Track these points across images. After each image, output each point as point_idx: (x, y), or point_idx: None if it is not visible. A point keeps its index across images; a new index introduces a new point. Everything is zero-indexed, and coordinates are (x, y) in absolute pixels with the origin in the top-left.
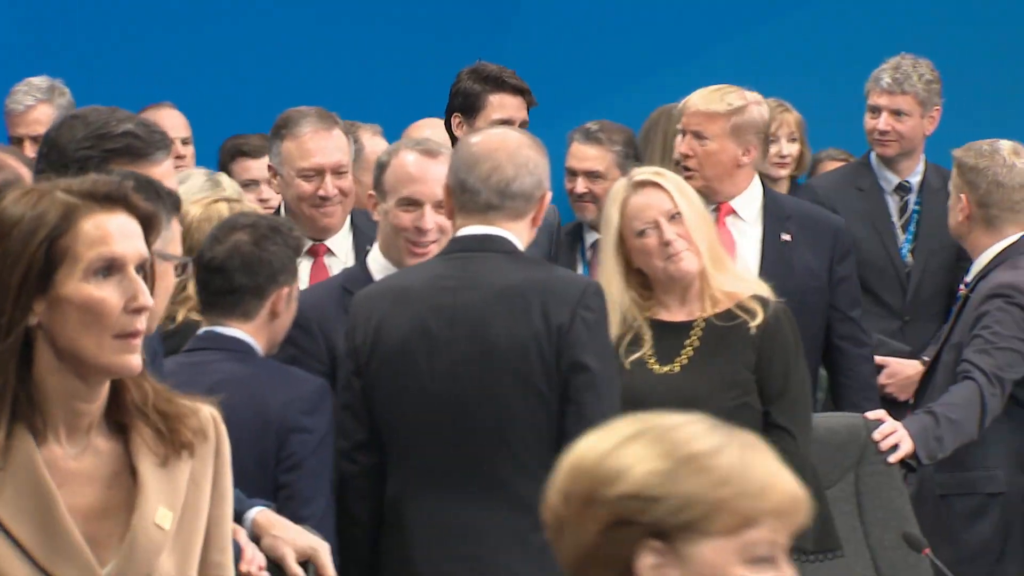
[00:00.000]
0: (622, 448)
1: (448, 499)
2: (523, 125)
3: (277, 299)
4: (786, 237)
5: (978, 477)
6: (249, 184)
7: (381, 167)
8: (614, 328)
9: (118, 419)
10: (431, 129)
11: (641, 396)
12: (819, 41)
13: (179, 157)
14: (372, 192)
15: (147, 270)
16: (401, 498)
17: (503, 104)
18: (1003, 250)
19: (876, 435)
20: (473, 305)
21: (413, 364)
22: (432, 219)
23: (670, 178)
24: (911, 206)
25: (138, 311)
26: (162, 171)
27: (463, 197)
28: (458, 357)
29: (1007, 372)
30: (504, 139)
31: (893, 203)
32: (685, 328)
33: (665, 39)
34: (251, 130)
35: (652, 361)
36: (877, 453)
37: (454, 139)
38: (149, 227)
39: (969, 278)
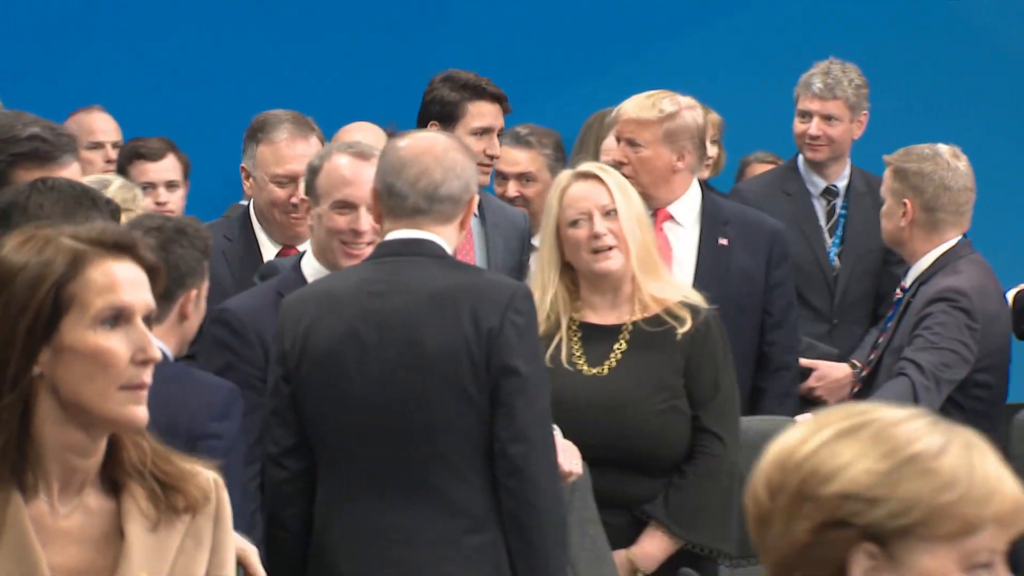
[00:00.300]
0: (837, 443)
1: (378, 504)
2: (500, 132)
3: (185, 302)
4: (723, 241)
5: None
6: (147, 187)
7: (313, 171)
8: (543, 323)
9: (113, 477)
10: (362, 132)
11: (569, 397)
12: (747, 46)
13: (109, 161)
14: (305, 197)
15: (151, 321)
16: (331, 503)
17: (482, 112)
18: (943, 254)
19: None
20: (403, 309)
21: (343, 369)
22: (368, 221)
23: (614, 175)
24: (838, 210)
25: (145, 363)
26: (69, 174)
27: (391, 201)
28: (388, 362)
29: (945, 372)
30: (432, 143)
31: (820, 207)
32: (614, 331)
33: (595, 44)
34: (180, 133)
35: (581, 363)
36: None
37: None
38: (154, 277)
39: (908, 283)
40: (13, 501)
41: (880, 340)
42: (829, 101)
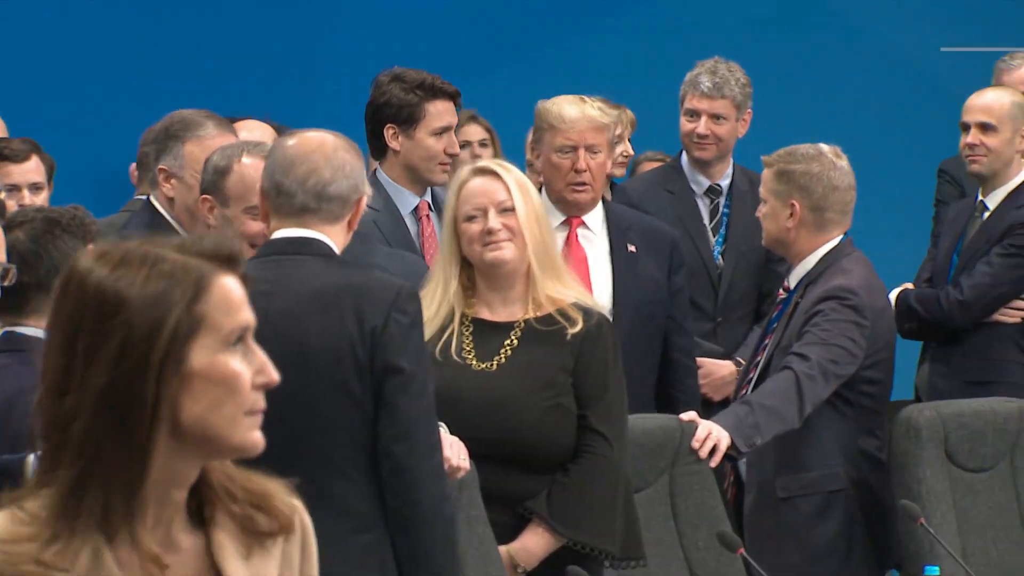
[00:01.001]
0: None
1: None
2: (455, 129)
3: None
4: (632, 248)
5: (818, 477)
6: (11, 189)
7: (221, 172)
8: (436, 320)
9: (200, 503)
10: (258, 131)
11: (457, 392)
12: (635, 45)
13: None
14: (207, 196)
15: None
16: None
17: (440, 111)
18: (828, 253)
19: (694, 443)
20: (287, 308)
21: None
22: None
23: (514, 172)
24: (721, 208)
25: (265, 386)
26: None
27: (279, 200)
28: (272, 361)
29: (833, 367)
30: (321, 142)
31: (704, 206)
32: (506, 328)
33: (486, 44)
34: (60, 135)
35: (471, 358)
36: (690, 454)
37: (387, 149)
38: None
39: (792, 282)
40: (101, 548)
41: (767, 341)
42: (717, 100)
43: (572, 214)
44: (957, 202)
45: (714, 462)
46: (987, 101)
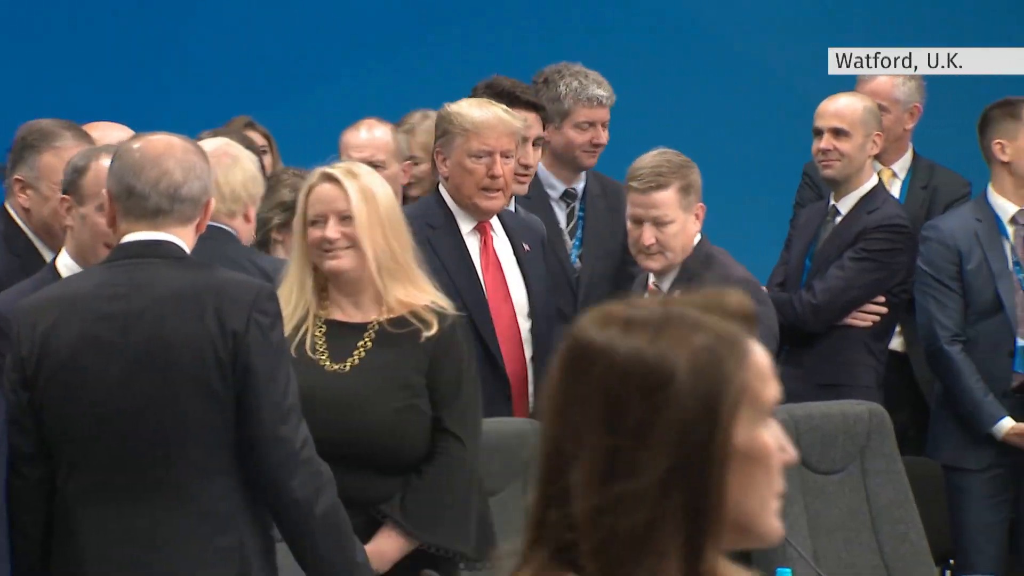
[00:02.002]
0: None
1: (125, 507)
2: (538, 141)
3: None
4: (526, 247)
5: None
6: None
7: (78, 171)
8: (292, 320)
9: None
10: (116, 132)
11: (311, 393)
12: (484, 49)
13: None
14: (65, 196)
15: None
16: (74, 508)
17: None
18: (695, 249)
19: None
20: (146, 311)
21: (84, 374)
22: None
23: (360, 179)
24: (577, 213)
25: (787, 464)
26: None
27: (129, 202)
28: (132, 364)
29: None
30: (169, 144)
31: (560, 210)
32: (359, 329)
33: (346, 44)
34: None
35: (324, 359)
36: None
37: None
38: None
39: (666, 284)
40: None
41: None
42: (607, 108)
43: (481, 219)
44: (809, 206)
45: None
46: (839, 107)
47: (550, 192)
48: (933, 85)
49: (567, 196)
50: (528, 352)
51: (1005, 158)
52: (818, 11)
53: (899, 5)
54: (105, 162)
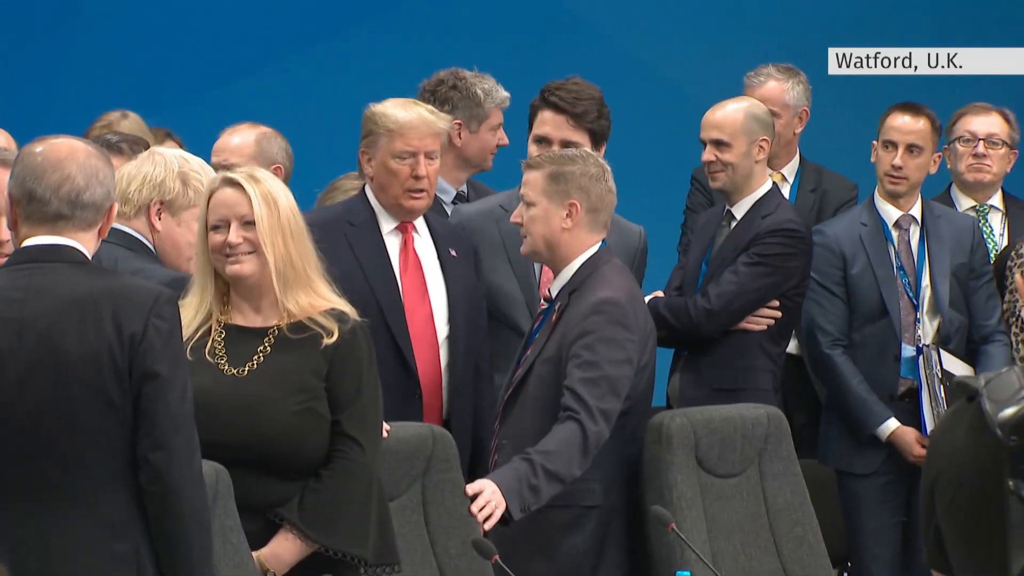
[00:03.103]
0: None
1: (21, 514)
2: (564, 144)
3: None
4: (453, 253)
5: (575, 490)
6: None
7: None
8: (192, 324)
9: None
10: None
11: (208, 397)
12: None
13: None
14: None
15: None
16: None
17: (544, 120)
18: (588, 260)
19: (474, 509)
20: (42, 316)
21: None
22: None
23: (262, 184)
24: None
25: None
26: None
27: (31, 207)
28: (27, 369)
29: (609, 403)
30: (72, 148)
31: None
32: (259, 334)
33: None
34: None
35: (223, 363)
36: (443, 461)
37: None
38: None
39: (554, 291)
40: None
41: (528, 353)
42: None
43: (404, 219)
44: (707, 211)
45: (488, 526)
46: (720, 117)
47: (442, 197)
48: (932, 85)
49: (458, 199)
50: (444, 357)
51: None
52: (818, 11)
53: (899, 5)
54: None
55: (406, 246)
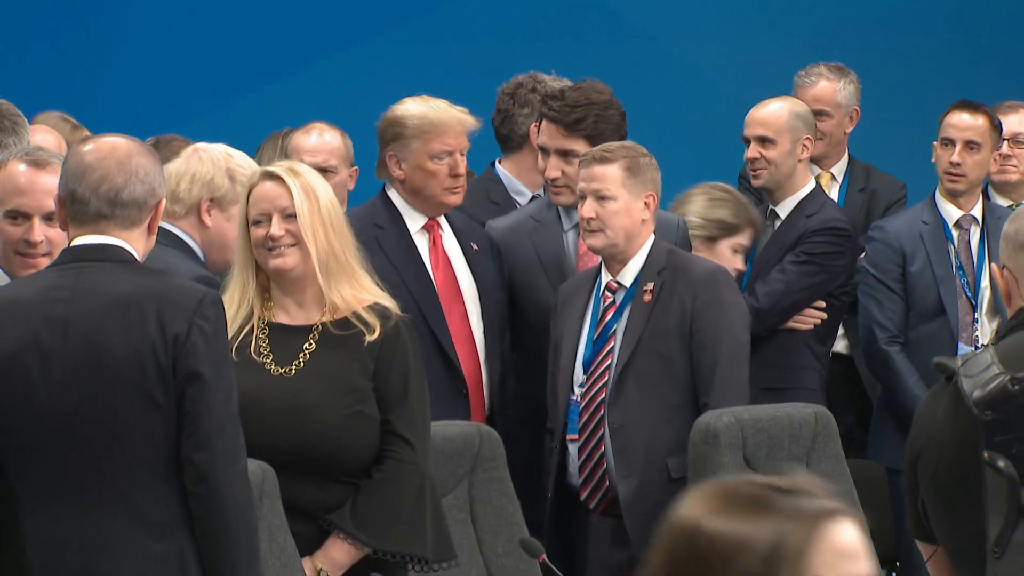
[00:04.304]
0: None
1: (64, 513)
2: (561, 153)
3: None
4: (475, 247)
5: None
6: None
7: None
8: (236, 322)
9: None
10: (41, 134)
11: (255, 397)
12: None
13: None
14: None
15: None
16: (15, 514)
17: (542, 130)
18: (655, 244)
19: None
20: (87, 315)
21: (25, 377)
22: (41, 231)
23: (302, 177)
24: None
25: None
26: None
27: (74, 207)
28: (72, 369)
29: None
30: (113, 147)
31: None
32: (303, 332)
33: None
34: None
35: (269, 362)
36: (489, 460)
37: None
38: None
39: (629, 278)
40: None
41: (618, 339)
42: None
43: (436, 215)
44: None
45: None
46: (764, 115)
47: (518, 199)
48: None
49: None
50: (481, 352)
51: None
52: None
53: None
54: (14, 167)
55: (435, 244)
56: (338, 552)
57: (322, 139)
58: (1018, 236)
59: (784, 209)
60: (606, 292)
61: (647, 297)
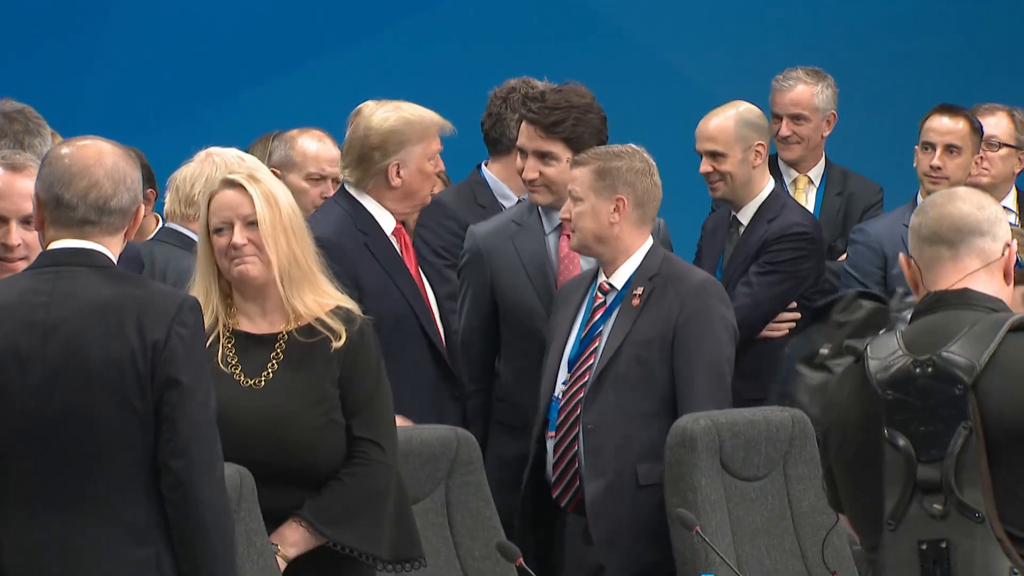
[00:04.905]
0: None
1: (43, 519)
2: (539, 155)
3: None
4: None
5: None
6: None
7: None
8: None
9: None
10: None
11: (227, 410)
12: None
13: None
14: None
15: None
16: None
17: (521, 131)
18: (652, 248)
19: None
20: (66, 320)
21: (3, 382)
22: (18, 235)
23: (263, 184)
24: None
25: None
26: None
27: (57, 212)
28: (51, 374)
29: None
30: (99, 153)
31: None
32: (269, 341)
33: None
34: None
35: (238, 372)
36: (466, 464)
37: None
38: None
39: (620, 280)
40: None
41: (596, 344)
42: None
43: (406, 217)
44: (713, 215)
45: None
46: (711, 129)
47: (504, 203)
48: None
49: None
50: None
51: None
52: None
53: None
54: None
55: (406, 247)
56: (291, 532)
57: (328, 150)
58: (922, 229)
59: (746, 215)
60: (598, 293)
61: (635, 301)
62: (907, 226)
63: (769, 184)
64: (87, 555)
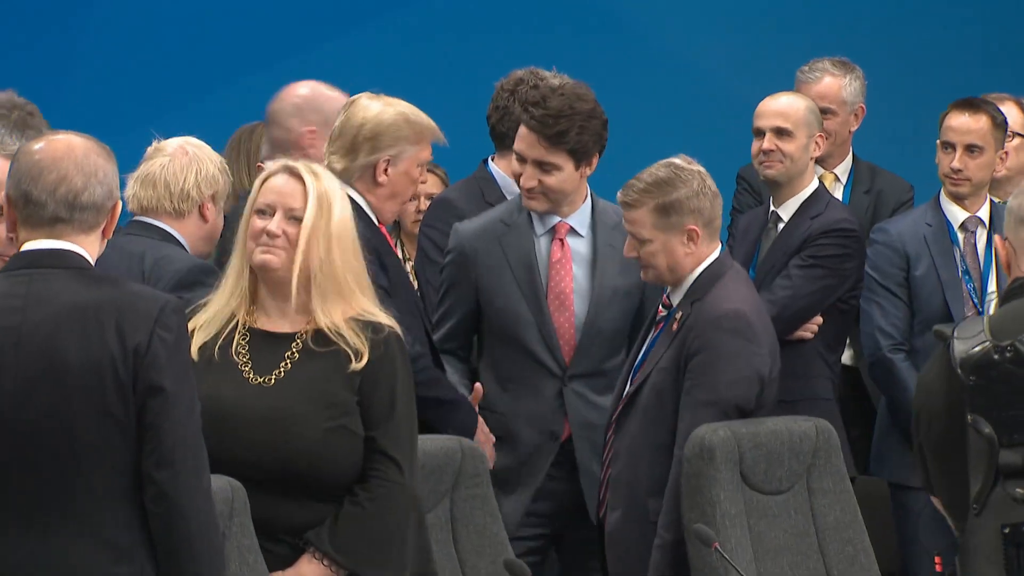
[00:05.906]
0: None
1: (17, 531)
2: (539, 164)
3: None
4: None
5: None
6: None
7: None
8: (215, 321)
9: None
10: None
11: (231, 407)
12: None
13: None
14: None
15: None
16: None
17: (520, 136)
18: (710, 266)
19: None
20: (43, 325)
21: None
22: None
23: (322, 183)
24: None
25: None
26: None
27: (27, 210)
28: (26, 381)
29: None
30: (69, 146)
31: None
32: (286, 340)
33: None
34: None
35: (247, 370)
36: (472, 477)
37: None
38: None
39: (675, 299)
40: None
41: (647, 362)
42: None
43: (385, 223)
44: (748, 212)
45: None
46: (782, 106)
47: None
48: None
49: None
50: None
51: None
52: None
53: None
54: None
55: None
56: (310, 571)
57: None
58: (1021, 210)
59: (787, 211)
60: (661, 306)
61: (675, 326)
62: (930, 225)
63: (814, 182)
64: (65, 571)
